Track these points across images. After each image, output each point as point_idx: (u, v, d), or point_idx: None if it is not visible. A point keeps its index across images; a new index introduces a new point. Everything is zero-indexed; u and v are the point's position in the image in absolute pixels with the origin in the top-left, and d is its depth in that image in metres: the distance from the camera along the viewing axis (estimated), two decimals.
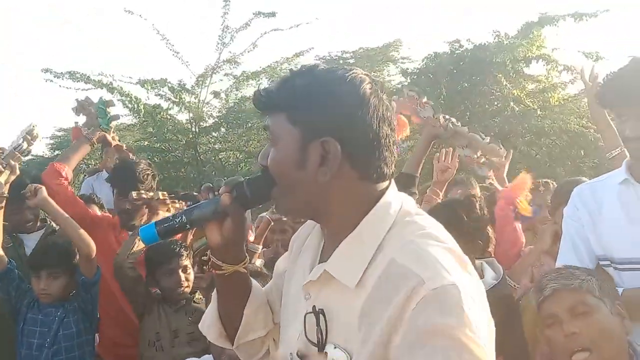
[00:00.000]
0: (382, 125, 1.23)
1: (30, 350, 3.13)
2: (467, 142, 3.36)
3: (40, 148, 15.18)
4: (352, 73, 1.24)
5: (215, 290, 1.55)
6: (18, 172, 3.09)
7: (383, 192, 1.27)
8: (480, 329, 1.11)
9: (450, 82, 11.37)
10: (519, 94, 11.29)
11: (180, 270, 3.14)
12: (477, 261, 2.76)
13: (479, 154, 3.35)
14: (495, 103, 11.78)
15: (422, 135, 3.55)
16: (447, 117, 3.42)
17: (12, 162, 3.02)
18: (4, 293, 3.21)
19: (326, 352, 1.21)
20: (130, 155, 4.02)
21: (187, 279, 3.18)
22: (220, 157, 13.80)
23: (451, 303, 1.09)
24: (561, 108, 11.56)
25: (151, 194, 3.29)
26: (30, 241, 3.63)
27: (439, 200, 3.56)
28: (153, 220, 2.86)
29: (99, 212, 4.06)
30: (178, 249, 3.16)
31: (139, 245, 3.15)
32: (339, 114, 1.22)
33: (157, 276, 3.15)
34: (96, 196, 4.59)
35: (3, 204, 3.09)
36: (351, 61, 16.29)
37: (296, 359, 1.30)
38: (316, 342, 1.24)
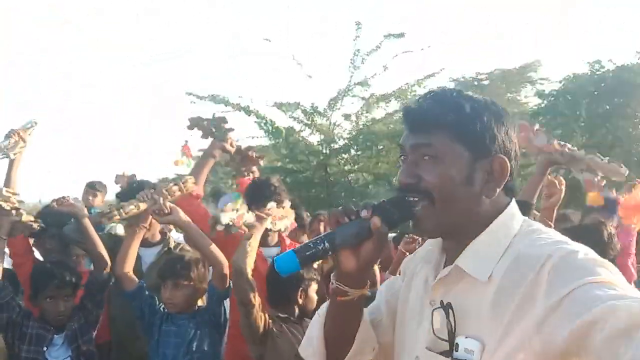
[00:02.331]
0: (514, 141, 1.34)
1: None
2: (586, 165, 3.26)
3: (184, 169, 16.18)
4: (487, 97, 1.35)
5: (322, 314, 1.50)
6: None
7: (508, 203, 1.33)
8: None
9: (591, 104, 10.77)
10: None
11: (312, 291, 3.17)
12: None
13: (599, 176, 3.24)
14: None
15: (538, 162, 3.47)
16: (562, 142, 3.34)
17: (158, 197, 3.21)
18: (137, 311, 3.32)
19: (457, 344, 1.23)
20: (260, 161, 4.09)
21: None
22: (349, 178, 13.97)
23: (581, 260, 1.14)
24: None
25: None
26: (148, 256, 3.74)
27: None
28: None
29: None
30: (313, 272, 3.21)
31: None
32: (501, 132, 1.30)
33: (300, 295, 3.16)
34: None
35: (139, 230, 3.30)
36: (486, 82, 15.84)
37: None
38: (446, 337, 1.25)
